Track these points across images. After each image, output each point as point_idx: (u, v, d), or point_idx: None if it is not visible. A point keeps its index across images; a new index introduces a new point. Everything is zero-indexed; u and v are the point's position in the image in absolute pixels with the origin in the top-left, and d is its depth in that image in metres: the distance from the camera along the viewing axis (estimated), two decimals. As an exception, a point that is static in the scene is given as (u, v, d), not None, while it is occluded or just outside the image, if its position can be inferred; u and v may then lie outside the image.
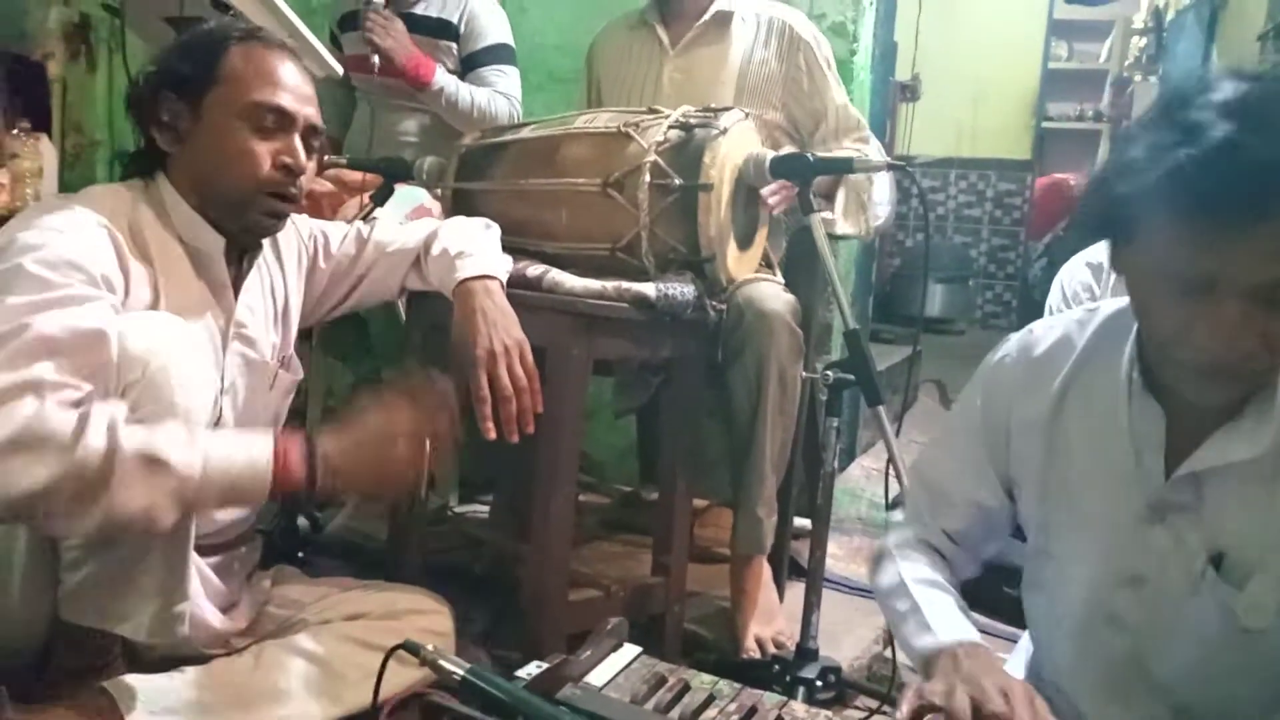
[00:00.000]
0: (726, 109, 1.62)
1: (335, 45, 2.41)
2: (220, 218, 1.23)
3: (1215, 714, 0.96)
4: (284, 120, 1.22)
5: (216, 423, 1.21)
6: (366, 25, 2.09)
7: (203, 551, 1.22)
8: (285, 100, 1.21)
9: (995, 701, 0.86)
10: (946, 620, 1.00)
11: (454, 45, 2.28)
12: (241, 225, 1.25)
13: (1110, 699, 0.99)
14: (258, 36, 1.24)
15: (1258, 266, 0.79)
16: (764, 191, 1.66)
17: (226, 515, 1.28)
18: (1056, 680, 1.07)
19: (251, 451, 1.06)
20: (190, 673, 1.19)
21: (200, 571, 1.21)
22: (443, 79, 2.20)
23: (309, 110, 1.25)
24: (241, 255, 1.29)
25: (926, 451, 1.22)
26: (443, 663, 0.92)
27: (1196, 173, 0.78)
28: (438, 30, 2.26)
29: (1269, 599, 0.88)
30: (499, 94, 2.26)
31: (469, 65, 2.29)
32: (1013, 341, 1.10)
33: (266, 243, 1.34)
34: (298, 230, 1.42)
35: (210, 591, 1.25)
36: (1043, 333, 1.07)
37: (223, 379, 1.25)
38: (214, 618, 1.25)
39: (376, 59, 2.10)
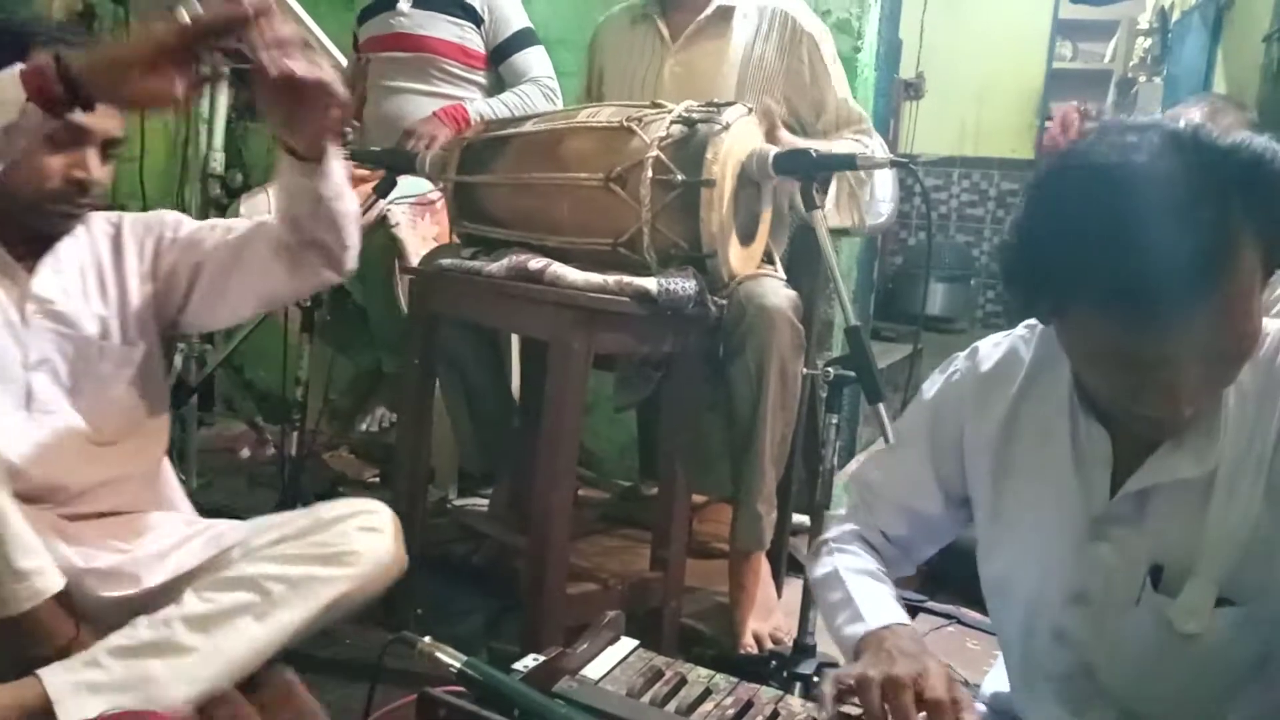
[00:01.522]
0: (729, 104, 1.62)
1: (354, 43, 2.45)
2: (5, 215, 1.23)
3: (1163, 718, 0.96)
4: (80, 136, 1.20)
5: (28, 400, 1.23)
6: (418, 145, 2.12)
7: (86, 518, 1.27)
8: (87, 118, 1.14)
9: (901, 667, 0.87)
10: (877, 607, 1.00)
11: (475, 27, 2.35)
12: (29, 227, 1.26)
13: (1063, 708, 1.00)
14: (66, 39, 1.17)
15: (1200, 336, 0.78)
16: None
17: (93, 476, 1.28)
18: (1018, 691, 1.08)
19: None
20: (113, 637, 1.18)
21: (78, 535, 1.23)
22: (475, 111, 2.27)
23: (109, 124, 1.23)
24: (37, 234, 1.28)
25: (872, 456, 1.23)
26: (439, 655, 0.92)
27: (1118, 264, 0.76)
28: (459, 12, 2.33)
29: (1202, 603, 0.89)
30: (527, 85, 2.34)
31: (499, 56, 2.37)
32: (960, 359, 1.09)
33: (98, 217, 1.34)
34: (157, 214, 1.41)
35: (100, 544, 1.26)
36: (989, 350, 1.06)
37: (26, 354, 1.25)
38: (110, 560, 1.25)
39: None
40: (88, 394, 1.30)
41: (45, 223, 1.27)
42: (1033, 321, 1.04)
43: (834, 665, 1.59)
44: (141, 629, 1.19)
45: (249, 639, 1.20)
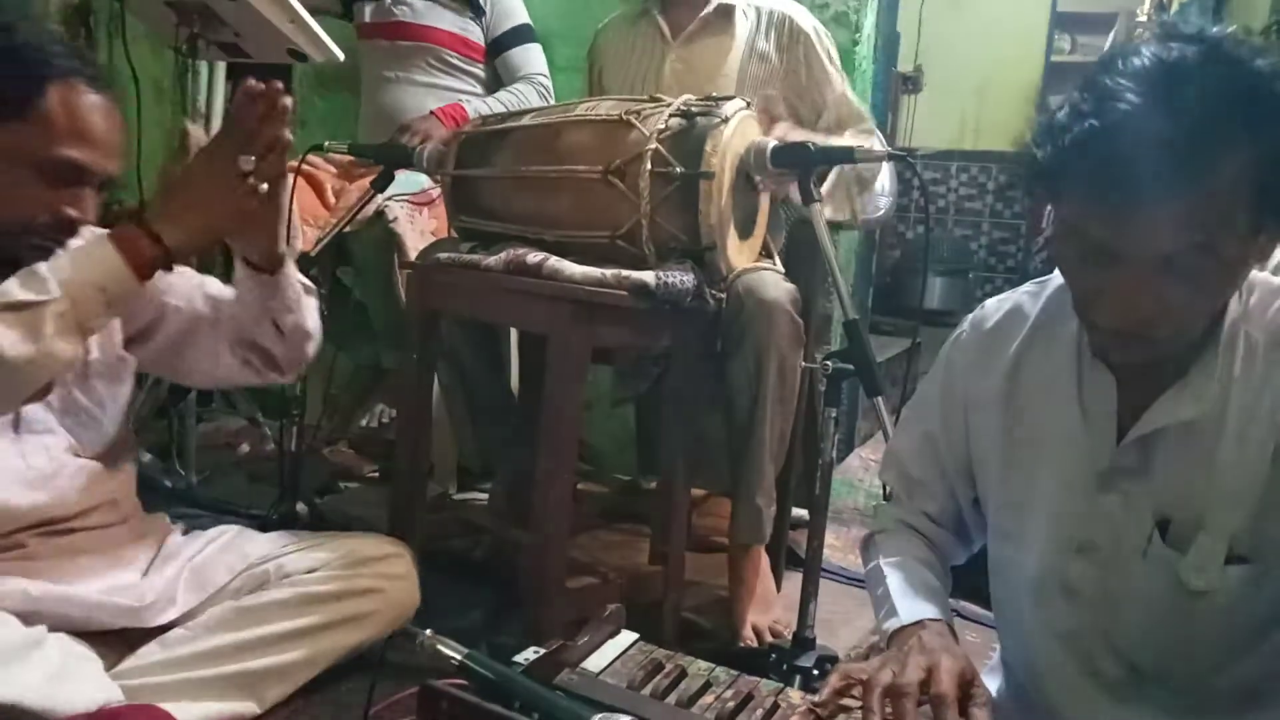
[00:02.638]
0: (728, 97, 1.62)
1: (347, 14, 2.45)
2: None
3: (1171, 676, 0.96)
4: (82, 176, 1.13)
5: (16, 423, 1.18)
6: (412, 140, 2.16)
7: (74, 531, 1.23)
8: (91, 159, 1.12)
9: (910, 673, 0.88)
10: (909, 601, 1.01)
11: (477, 18, 2.37)
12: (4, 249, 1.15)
13: (1073, 667, 1.00)
14: (85, 74, 1.12)
15: (1155, 239, 0.79)
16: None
17: (83, 492, 1.25)
18: (1022, 661, 1.08)
19: (94, 254, 1.08)
20: (147, 648, 1.20)
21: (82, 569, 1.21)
22: (474, 110, 2.28)
23: (111, 165, 1.16)
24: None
25: (896, 436, 1.22)
26: (441, 648, 0.92)
27: (1099, 144, 0.78)
28: (463, 3, 2.36)
29: (1212, 559, 0.89)
30: (521, 82, 2.36)
31: (497, 48, 2.39)
32: (966, 320, 1.10)
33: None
34: None
35: (100, 567, 1.25)
36: (994, 307, 1.07)
37: None
38: (123, 595, 1.23)
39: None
40: (76, 410, 1.26)
41: (16, 255, 1.13)
42: (1042, 279, 1.05)
43: (834, 659, 1.59)
44: (179, 648, 1.20)
45: (280, 667, 1.24)
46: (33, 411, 1.20)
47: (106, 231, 1.11)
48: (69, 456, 1.24)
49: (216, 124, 2.94)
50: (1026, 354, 1.02)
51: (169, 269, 1.15)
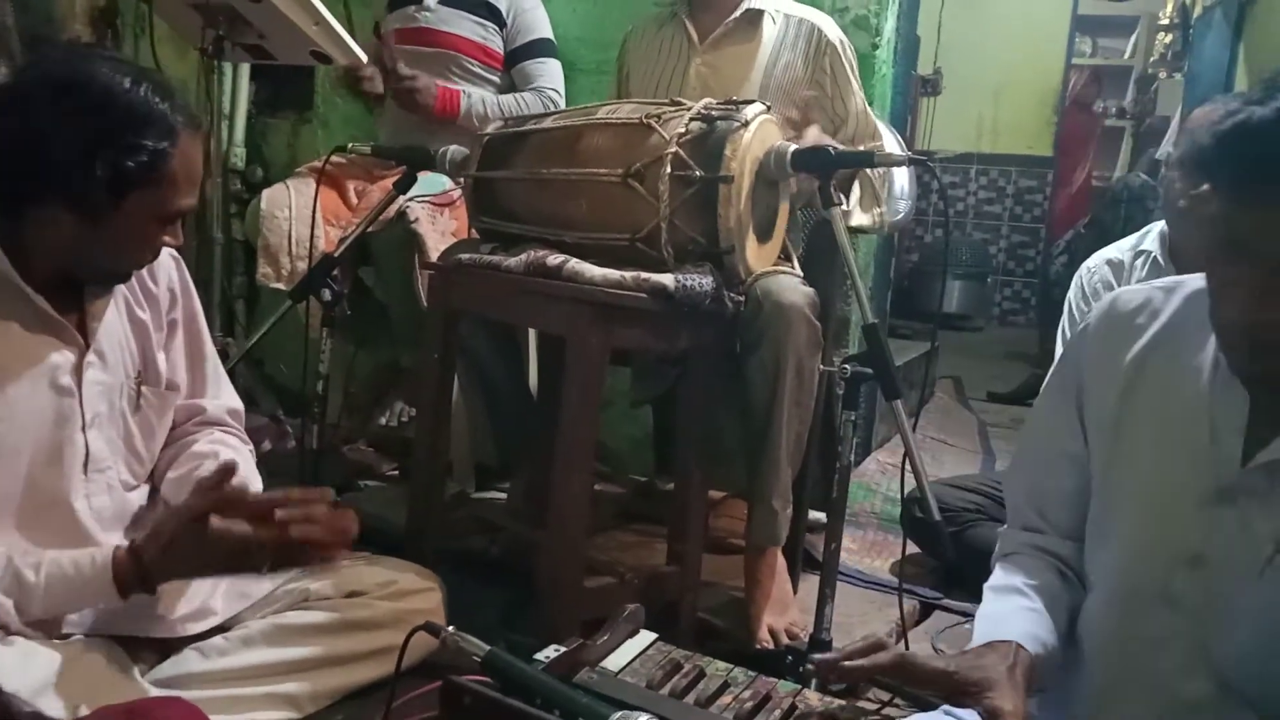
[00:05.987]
0: (749, 102, 1.62)
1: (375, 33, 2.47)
2: (84, 278, 1.20)
3: (1262, 699, 0.93)
4: (184, 213, 1.20)
5: (86, 462, 1.19)
6: (396, 92, 2.28)
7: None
8: (196, 199, 1.20)
9: (935, 661, 0.89)
10: (989, 629, 0.99)
11: (499, 28, 2.37)
12: (100, 283, 1.22)
13: (1152, 678, 0.97)
14: (192, 123, 1.17)
15: None
16: None
17: (135, 527, 1.26)
18: (1084, 669, 1.05)
19: (90, 587, 1.09)
20: (185, 655, 1.23)
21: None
22: (467, 104, 2.29)
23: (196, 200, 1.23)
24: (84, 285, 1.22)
25: (1021, 445, 1.18)
26: (463, 644, 0.93)
27: (1255, 137, 0.77)
28: (485, 14, 2.36)
29: None
30: (530, 92, 2.36)
31: (514, 59, 2.40)
32: (1094, 312, 1.07)
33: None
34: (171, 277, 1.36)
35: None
36: (1126, 298, 1.04)
37: (83, 415, 1.19)
38: (159, 606, 1.23)
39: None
40: (129, 441, 1.27)
41: (114, 282, 1.23)
42: (1175, 278, 1.03)
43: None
44: (219, 659, 1.23)
45: (316, 691, 1.27)
46: (98, 449, 1.21)
47: (113, 576, 1.10)
48: (123, 492, 1.26)
49: (240, 122, 2.98)
50: (1153, 352, 0.99)
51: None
